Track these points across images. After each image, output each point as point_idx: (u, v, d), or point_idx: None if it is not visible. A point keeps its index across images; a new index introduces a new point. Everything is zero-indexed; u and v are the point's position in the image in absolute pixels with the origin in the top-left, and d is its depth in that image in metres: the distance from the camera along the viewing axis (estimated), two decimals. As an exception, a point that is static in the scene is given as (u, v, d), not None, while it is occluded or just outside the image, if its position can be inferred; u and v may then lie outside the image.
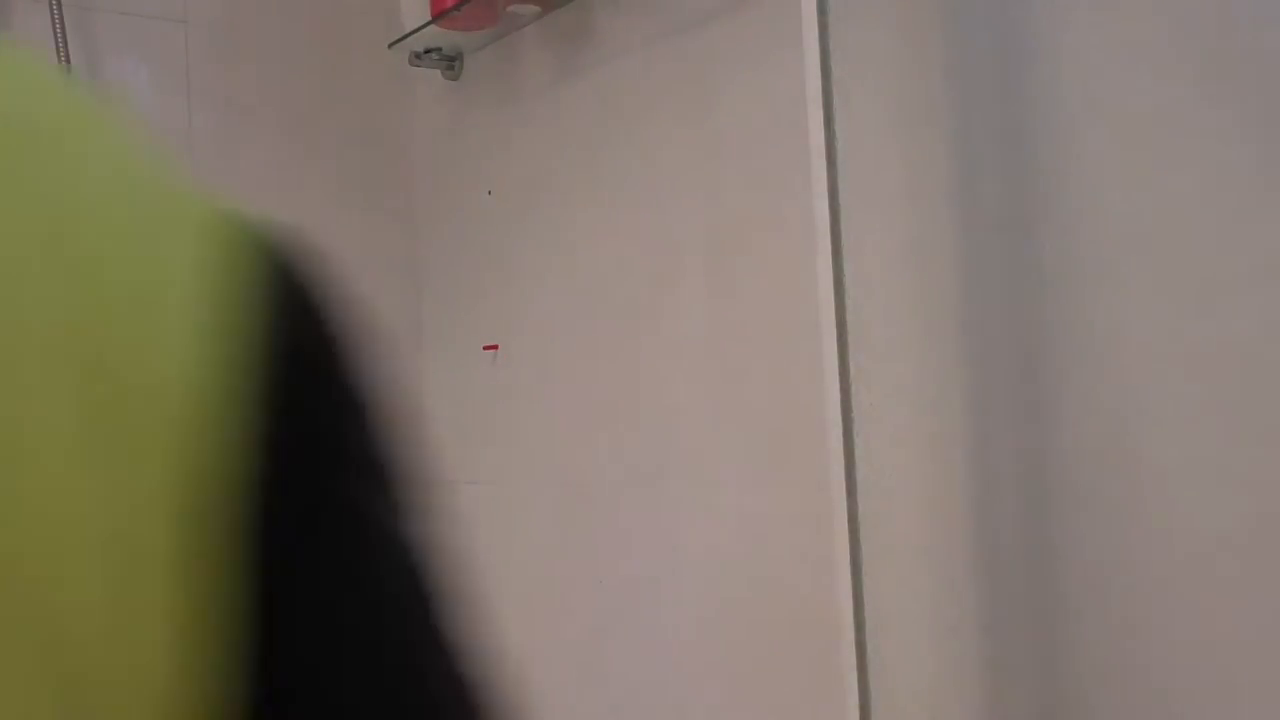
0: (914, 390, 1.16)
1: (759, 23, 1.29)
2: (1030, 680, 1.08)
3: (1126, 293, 1.00)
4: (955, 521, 1.13)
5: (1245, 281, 0.93)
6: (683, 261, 1.40)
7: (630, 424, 1.49)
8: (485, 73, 1.76)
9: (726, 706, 1.37)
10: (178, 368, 0.31)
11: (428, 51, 1.75)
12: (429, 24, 1.62)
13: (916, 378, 1.16)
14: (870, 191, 1.17)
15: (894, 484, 1.17)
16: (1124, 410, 1.01)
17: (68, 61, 1.54)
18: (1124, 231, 1.01)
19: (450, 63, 1.79)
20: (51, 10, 1.54)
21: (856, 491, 1.17)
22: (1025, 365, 1.08)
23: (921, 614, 1.16)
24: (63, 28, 1.54)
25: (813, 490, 1.21)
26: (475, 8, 1.57)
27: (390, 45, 1.72)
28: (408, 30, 1.68)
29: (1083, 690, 1.04)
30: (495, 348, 1.70)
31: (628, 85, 1.48)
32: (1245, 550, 0.94)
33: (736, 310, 1.33)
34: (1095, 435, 1.03)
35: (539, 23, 1.62)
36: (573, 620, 1.59)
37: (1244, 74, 0.93)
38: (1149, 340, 0.99)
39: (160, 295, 0.32)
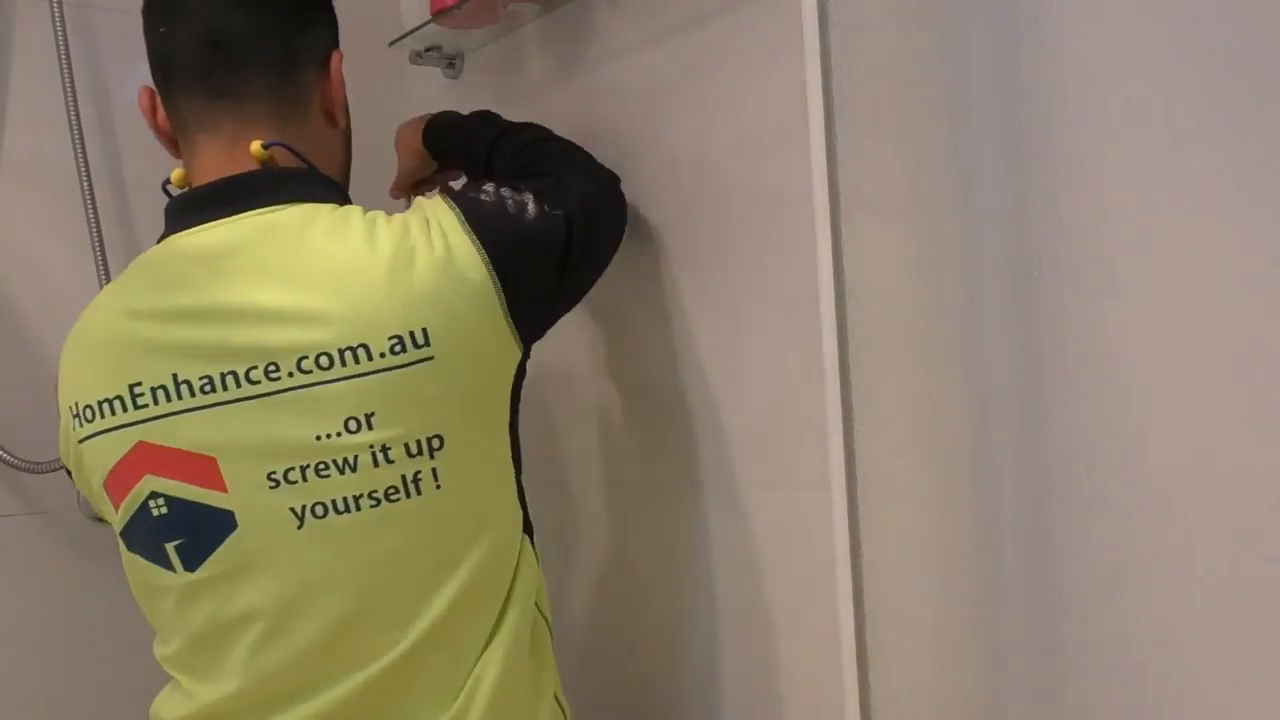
0: (914, 390, 1.16)
1: (760, 22, 1.29)
2: (1030, 681, 1.08)
3: (1127, 292, 1.01)
4: (955, 522, 1.14)
5: (1246, 280, 0.93)
6: (681, 260, 1.40)
7: (627, 423, 1.49)
8: (486, 71, 1.76)
9: (724, 704, 1.37)
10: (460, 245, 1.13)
11: (428, 50, 1.75)
12: (429, 22, 1.61)
13: (916, 378, 1.16)
14: (870, 191, 1.17)
15: (894, 484, 1.17)
16: (1124, 410, 1.01)
17: (68, 60, 1.53)
18: (1124, 231, 1.01)
19: (450, 61, 1.79)
20: (52, 9, 1.54)
21: (857, 491, 1.18)
22: (1025, 365, 1.08)
23: (921, 614, 1.16)
24: (63, 26, 1.54)
25: (813, 490, 1.21)
26: (475, 6, 1.56)
27: (390, 44, 1.71)
28: (408, 29, 1.68)
29: (1083, 690, 1.04)
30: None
31: (628, 84, 1.48)
32: (1246, 550, 0.94)
33: (735, 309, 1.33)
34: (1095, 435, 1.03)
35: (539, 21, 1.62)
36: (572, 611, 1.60)
37: (1245, 73, 0.93)
38: (1149, 340, 0.99)
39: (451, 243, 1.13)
